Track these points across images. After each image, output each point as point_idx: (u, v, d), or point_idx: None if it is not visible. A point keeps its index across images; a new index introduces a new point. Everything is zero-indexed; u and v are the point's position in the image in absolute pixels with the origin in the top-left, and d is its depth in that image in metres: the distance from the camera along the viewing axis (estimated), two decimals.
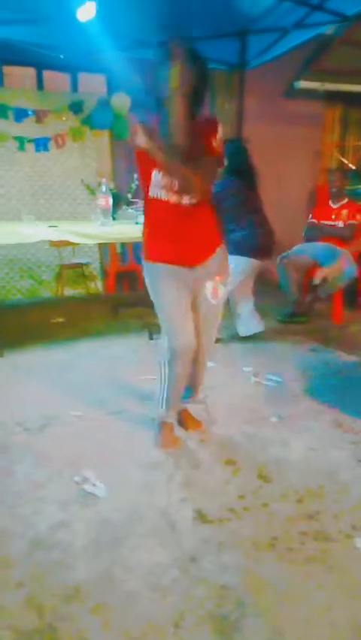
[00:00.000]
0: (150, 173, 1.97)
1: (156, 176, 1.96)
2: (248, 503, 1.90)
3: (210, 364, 3.27)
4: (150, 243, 2.13)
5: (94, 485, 1.98)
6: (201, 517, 1.82)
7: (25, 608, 1.44)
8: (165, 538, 1.71)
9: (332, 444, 2.33)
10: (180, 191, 1.94)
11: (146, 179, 2.00)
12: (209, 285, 2.17)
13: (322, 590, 1.50)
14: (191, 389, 2.40)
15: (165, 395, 2.25)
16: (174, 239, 2.06)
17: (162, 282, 2.11)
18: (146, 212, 2.12)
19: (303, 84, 5.55)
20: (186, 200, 1.98)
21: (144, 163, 1.95)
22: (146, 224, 2.14)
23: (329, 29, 4.55)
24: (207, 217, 2.10)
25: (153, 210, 2.06)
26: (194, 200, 1.98)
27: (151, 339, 3.73)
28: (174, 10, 3.71)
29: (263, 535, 1.73)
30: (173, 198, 1.98)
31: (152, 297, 2.15)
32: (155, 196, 2.00)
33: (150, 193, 2.01)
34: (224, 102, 5.42)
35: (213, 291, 2.20)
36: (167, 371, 2.17)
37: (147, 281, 2.16)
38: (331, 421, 2.54)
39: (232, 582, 1.53)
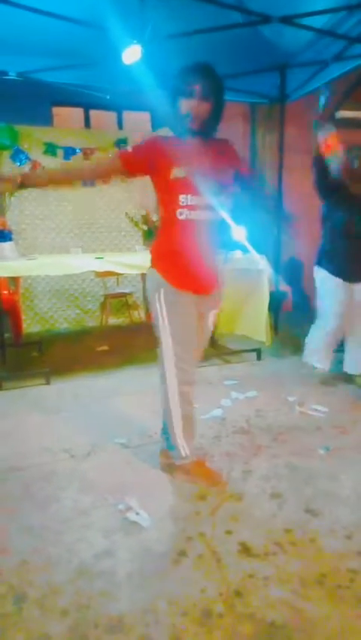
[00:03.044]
0: (171, 187, 1.96)
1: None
2: (295, 538, 1.85)
3: (254, 393, 3.27)
4: (171, 266, 2.03)
5: (137, 514, 1.98)
6: (246, 550, 1.78)
7: (69, 637, 1.44)
8: (210, 572, 1.68)
9: None
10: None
11: (164, 192, 2.00)
12: (212, 314, 2.18)
13: None
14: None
15: (178, 432, 2.16)
16: (197, 264, 2.02)
17: (183, 310, 2.03)
18: (166, 232, 2.05)
19: (342, 114, 5.57)
20: (210, 215, 1.99)
21: (161, 175, 1.96)
22: (166, 243, 2.06)
23: None
24: (217, 236, 2.08)
25: (178, 231, 1.99)
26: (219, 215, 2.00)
27: None
28: (217, 47, 3.85)
29: (311, 571, 1.67)
30: (201, 215, 1.98)
31: (164, 322, 2.04)
32: (182, 217, 1.97)
33: (176, 214, 1.97)
34: (265, 134, 5.52)
35: (214, 318, 2.21)
36: (177, 405, 2.11)
37: (161, 302, 2.03)
38: None
39: (280, 619, 1.48)
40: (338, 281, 3.16)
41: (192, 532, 1.88)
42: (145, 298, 5.55)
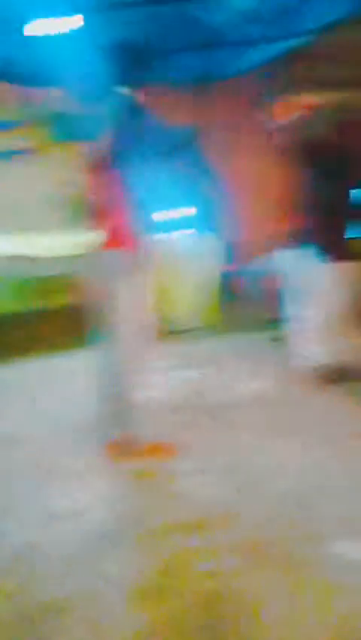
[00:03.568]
0: None
1: None
2: (226, 511, 1.87)
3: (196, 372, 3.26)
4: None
5: (75, 498, 1.96)
6: (181, 526, 1.79)
7: (13, 619, 1.40)
8: (147, 549, 1.69)
9: (324, 444, 2.34)
10: None
11: None
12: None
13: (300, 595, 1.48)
14: None
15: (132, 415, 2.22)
16: None
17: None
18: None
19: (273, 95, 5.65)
20: None
21: None
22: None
23: (296, 42, 4.64)
24: None
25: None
26: None
27: None
28: (145, 21, 3.77)
29: (240, 542, 1.70)
30: None
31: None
32: None
33: None
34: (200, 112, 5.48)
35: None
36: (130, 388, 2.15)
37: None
38: (315, 422, 2.55)
39: (212, 590, 1.50)
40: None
41: (128, 512, 1.88)
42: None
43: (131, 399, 2.18)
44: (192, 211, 3.45)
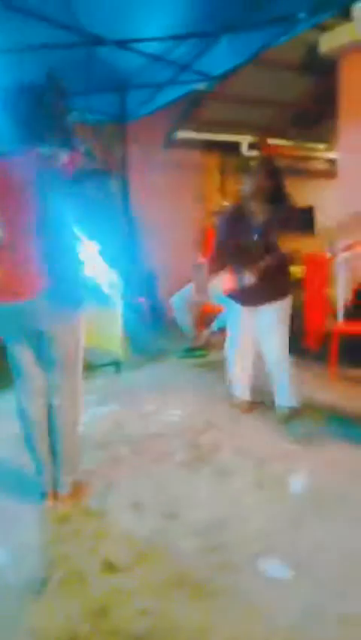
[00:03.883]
0: None
1: None
2: (155, 544, 1.90)
3: (113, 407, 3.29)
4: None
5: None
6: (109, 566, 1.79)
7: None
8: (74, 594, 1.66)
9: (236, 471, 2.43)
10: None
11: None
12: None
13: (231, 621, 1.54)
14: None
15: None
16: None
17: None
18: None
19: (181, 134, 5.93)
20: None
21: None
22: None
23: (200, 86, 4.94)
24: None
25: None
26: None
27: None
28: (56, 65, 3.83)
29: (172, 575, 1.73)
30: None
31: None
32: None
33: None
34: (112, 150, 5.62)
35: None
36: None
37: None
38: (232, 450, 2.65)
39: (144, 628, 1.51)
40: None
41: (55, 557, 1.84)
42: None
43: (78, 438, 2.18)
44: (96, 246, 3.47)
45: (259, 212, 2.93)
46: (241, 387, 3.19)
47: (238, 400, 3.22)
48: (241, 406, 3.20)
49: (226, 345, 3.23)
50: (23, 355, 2.08)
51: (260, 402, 3.17)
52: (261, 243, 2.90)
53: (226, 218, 3.17)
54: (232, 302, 3.13)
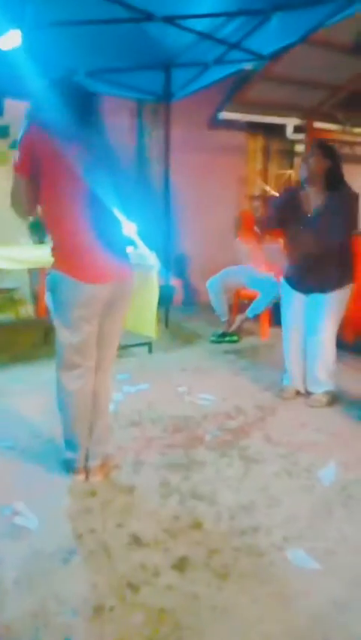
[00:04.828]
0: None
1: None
2: (183, 524, 1.92)
3: (146, 386, 3.32)
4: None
5: (24, 517, 1.93)
6: (136, 541, 1.82)
7: None
8: (101, 567, 1.69)
9: (266, 459, 2.42)
10: None
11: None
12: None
13: (256, 603, 1.55)
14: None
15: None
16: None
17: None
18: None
19: (225, 115, 5.81)
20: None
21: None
22: None
23: (248, 65, 4.82)
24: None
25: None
26: None
27: None
28: (102, 40, 3.81)
29: (198, 555, 1.75)
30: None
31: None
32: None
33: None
34: (152, 131, 5.58)
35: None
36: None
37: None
38: (261, 437, 2.64)
39: (169, 605, 1.54)
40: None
41: (83, 530, 1.88)
42: (33, 293, 5.33)
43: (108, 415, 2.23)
44: (133, 227, 3.47)
45: (313, 200, 2.85)
46: (290, 375, 3.17)
47: (285, 387, 3.19)
48: (284, 393, 3.17)
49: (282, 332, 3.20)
50: (90, 335, 2.06)
51: (305, 392, 3.15)
52: (309, 232, 2.83)
53: (288, 192, 3.19)
54: (286, 285, 3.09)
